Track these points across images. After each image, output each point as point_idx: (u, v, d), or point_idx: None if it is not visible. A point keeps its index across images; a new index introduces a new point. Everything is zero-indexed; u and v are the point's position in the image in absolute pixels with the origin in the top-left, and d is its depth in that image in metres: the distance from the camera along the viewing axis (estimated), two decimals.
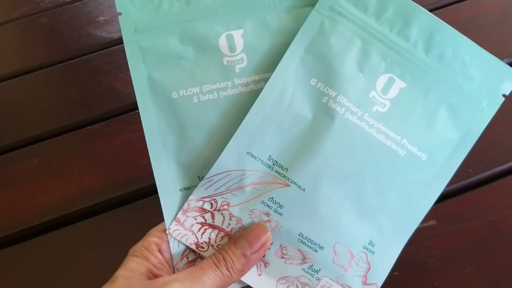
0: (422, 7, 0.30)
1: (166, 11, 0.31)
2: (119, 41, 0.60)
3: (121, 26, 0.31)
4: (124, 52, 0.58)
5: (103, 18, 0.63)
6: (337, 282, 0.30)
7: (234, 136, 0.29)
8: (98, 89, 0.55)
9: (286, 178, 0.30)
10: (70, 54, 0.60)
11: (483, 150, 0.46)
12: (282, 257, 0.30)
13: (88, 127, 0.52)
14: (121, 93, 0.54)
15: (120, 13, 0.31)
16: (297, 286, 0.30)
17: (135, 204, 0.45)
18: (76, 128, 0.52)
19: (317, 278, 0.30)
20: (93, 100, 0.54)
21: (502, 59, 0.49)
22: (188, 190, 0.31)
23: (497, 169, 0.45)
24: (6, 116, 0.55)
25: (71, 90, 0.56)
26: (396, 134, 0.30)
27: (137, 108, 0.51)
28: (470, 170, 0.45)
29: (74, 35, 0.62)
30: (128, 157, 0.49)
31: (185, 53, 0.31)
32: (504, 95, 0.31)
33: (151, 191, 0.46)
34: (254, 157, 0.30)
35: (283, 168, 0.30)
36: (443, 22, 0.30)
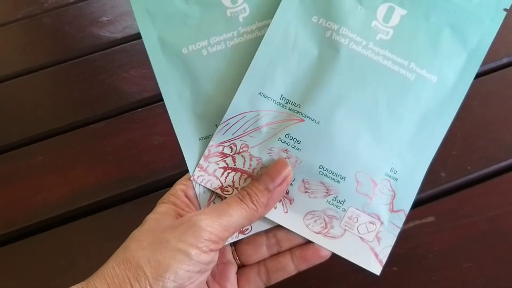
0: None
1: None
2: (122, 41, 0.61)
3: None
4: (127, 51, 0.61)
5: (106, 19, 0.65)
6: (364, 212, 0.31)
7: (244, 78, 0.31)
8: (102, 88, 0.57)
9: (300, 113, 0.30)
10: (73, 53, 0.62)
11: (482, 148, 0.46)
12: (306, 192, 0.31)
13: (92, 125, 0.53)
14: (124, 92, 0.56)
15: None
16: (324, 220, 0.31)
17: (138, 201, 0.46)
18: (80, 126, 0.53)
19: (343, 209, 0.31)
20: (97, 99, 0.56)
21: (501, 59, 0.50)
22: (207, 139, 0.32)
23: (496, 166, 0.45)
24: (12, 114, 0.57)
25: (75, 89, 0.58)
26: (403, 59, 0.30)
27: (140, 107, 0.54)
28: (469, 168, 0.45)
29: (78, 35, 0.64)
30: (131, 154, 0.50)
31: (191, 11, 0.32)
32: (505, 9, 0.31)
33: (154, 188, 0.47)
34: (267, 97, 0.31)
35: (295, 105, 0.31)
36: None
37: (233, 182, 0.31)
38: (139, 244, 0.26)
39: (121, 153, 0.50)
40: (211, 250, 0.27)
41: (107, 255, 0.27)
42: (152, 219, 0.28)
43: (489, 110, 0.48)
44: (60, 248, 0.44)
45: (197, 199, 0.31)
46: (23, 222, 0.46)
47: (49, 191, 0.48)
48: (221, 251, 0.32)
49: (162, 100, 0.32)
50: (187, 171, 0.31)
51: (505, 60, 0.52)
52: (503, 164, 0.45)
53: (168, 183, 0.46)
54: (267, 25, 0.31)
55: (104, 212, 0.46)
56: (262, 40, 0.31)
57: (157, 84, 0.32)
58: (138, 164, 0.49)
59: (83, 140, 0.52)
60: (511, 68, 0.52)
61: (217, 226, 0.26)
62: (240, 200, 0.28)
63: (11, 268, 0.44)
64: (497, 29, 0.31)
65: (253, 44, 0.31)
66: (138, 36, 0.58)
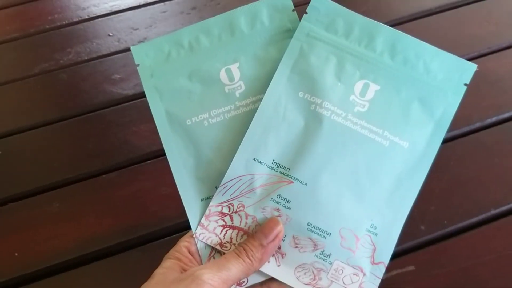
0: (382, 24, 0.36)
1: (175, 58, 0.38)
2: (133, 97, 0.66)
3: (140, 74, 0.38)
4: (137, 107, 0.66)
5: (118, 76, 0.70)
6: (348, 264, 0.34)
7: (240, 146, 0.35)
8: (113, 141, 0.61)
9: (290, 176, 0.35)
10: (87, 108, 0.66)
11: (457, 204, 0.51)
12: (296, 247, 0.34)
13: (104, 176, 0.57)
14: (134, 145, 0.60)
15: (138, 64, 0.38)
16: (313, 272, 0.34)
17: (146, 247, 0.49)
18: (93, 176, 0.57)
19: (330, 262, 0.34)
20: (109, 151, 0.60)
21: (474, 123, 0.55)
22: (207, 200, 0.36)
23: (469, 221, 0.50)
24: (29, 164, 0.60)
25: (88, 141, 0.62)
26: (378, 128, 0.35)
27: (148, 159, 0.59)
28: (445, 222, 0.50)
29: (91, 91, 0.68)
30: (139, 203, 0.53)
31: (194, 88, 0.37)
32: (465, 84, 0.36)
33: (161, 235, 0.50)
34: (260, 162, 0.35)
35: (285, 169, 0.35)
36: (402, 32, 0.36)
37: (231, 238, 0.35)
38: None
39: (130, 202, 0.54)
40: None
41: None
42: (159, 273, 0.32)
43: (464, 170, 0.54)
44: None
45: (199, 254, 0.34)
46: (39, 265, 0.50)
47: (64, 236, 0.52)
48: None
49: None
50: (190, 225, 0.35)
51: (477, 125, 0.58)
52: (475, 219, 0.50)
53: (173, 231, 0.51)
54: (260, 99, 0.36)
55: (113, 258, 0.49)
56: (256, 113, 0.36)
57: None
58: (146, 213, 0.53)
59: (96, 189, 0.56)
60: (482, 132, 0.57)
61: (217, 279, 0.30)
62: (237, 255, 0.32)
63: None
64: (459, 101, 0.36)
65: (248, 116, 0.36)
66: None
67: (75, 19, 0.82)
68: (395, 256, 0.35)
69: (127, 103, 0.66)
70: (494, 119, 0.59)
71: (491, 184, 0.53)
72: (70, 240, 0.51)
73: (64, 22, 0.82)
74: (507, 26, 0.71)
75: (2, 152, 0.62)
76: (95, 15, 0.82)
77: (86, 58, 0.74)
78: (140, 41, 0.76)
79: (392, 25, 0.38)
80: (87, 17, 0.82)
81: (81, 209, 0.54)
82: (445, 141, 0.35)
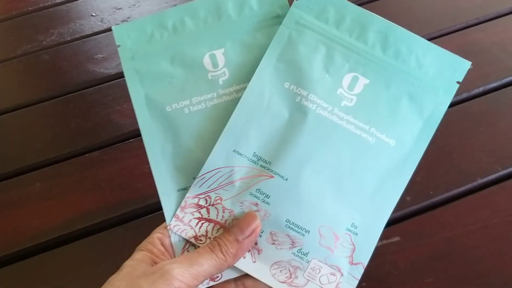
0: (375, 14, 0.35)
1: (158, 40, 0.36)
2: (116, 76, 0.65)
3: (120, 55, 0.36)
4: (120, 86, 0.66)
5: (101, 56, 0.69)
6: (326, 263, 0.33)
7: (221, 136, 0.34)
8: (97, 120, 0.61)
9: (270, 170, 0.33)
10: (70, 88, 0.66)
11: (443, 174, 0.51)
12: (273, 243, 0.33)
13: (87, 155, 0.57)
14: (117, 123, 0.60)
15: (119, 45, 0.36)
16: (289, 270, 0.33)
17: (129, 224, 0.49)
18: (76, 155, 0.57)
19: (307, 261, 0.33)
20: (92, 130, 0.60)
21: (460, 94, 0.56)
22: (185, 190, 0.34)
23: (455, 191, 0.50)
24: (12, 145, 0.60)
25: (71, 121, 0.61)
26: (365, 124, 0.34)
27: (132, 137, 0.58)
28: (431, 192, 0.50)
29: (74, 71, 0.68)
30: (123, 182, 0.53)
31: (175, 73, 0.36)
32: (458, 82, 0.34)
33: (144, 212, 0.51)
34: (240, 154, 0.34)
35: (266, 162, 0.34)
36: (395, 24, 0.34)
37: (206, 232, 0.33)
38: None
39: (114, 180, 0.54)
40: None
41: (101, 274, 0.29)
42: (128, 265, 0.31)
43: (450, 140, 0.54)
44: (57, 269, 0.48)
45: (172, 247, 0.33)
46: (22, 245, 0.50)
47: (47, 216, 0.52)
48: None
49: None
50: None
51: (464, 95, 0.59)
52: (461, 189, 0.50)
53: (156, 208, 0.50)
54: (244, 88, 0.35)
55: (98, 235, 0.49)
56: (239, 102, 0.34)
57: None
58: (130, 190, 0.53)
59: (79, 168, 0.56)
60: (469, 102, 0.58)
61: (188, 275, 0.29)
62: (211, 250, 0.31)
63: None
64: (450, 100, 0.34)
65: (231, 105, 0.35)
66: None
67: (58, 0, 0.81)
68: None
69: (110, 82, 0.65)
70: (481, 89, 0.59)
71: (477, 153, 0.53)
72: (53, 220, 0.51)
73: (47, 4, 0.81)
74: None
75: None
76: None
77: (69, 38, 0.74)
78: (124, 21, 0.75)
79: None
80: None
81: (65, 189, 0.54)
82: None
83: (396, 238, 0.46)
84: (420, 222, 0.47)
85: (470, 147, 0.53)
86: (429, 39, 0.63)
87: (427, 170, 0.51)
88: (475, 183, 0.50)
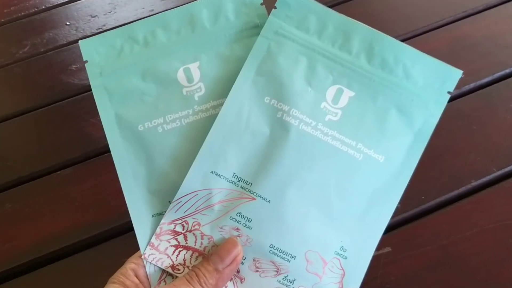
0: (359, 22, 0.32)
1: (128, 55, 0.34)
2: (90, 87, 0.62)
3: (88, 72, 0.33)
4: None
5: (75, 66, 0.67)
6: None
7: (197, 157, 0.31)
8: (70, 134, 0.58)
9: (252, 192, 0.31)
10: (43, 101, 0.63)
11: (434, 178, 0.48)
12: (257, 271, 0.31)
13: (59, 172, 0.54)
14: (92, 137, 0.57)
15: (86, 61, 0.34)
16: None
17: (103, 246, 0.47)
18: (48, 173, 0.54)
19: None
20: (65, 145, 0.57)
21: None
22: (160, 216, 0.32)
23: (448, 196, 0.47)
24: None
25: (44, 137, 0.58)
26: (351, 139, 0.32)
27: (107, 151, 0.55)
28: (423, 197, 0.47)
29: (47, 84, 0.65)
30: (98, 199, 0.51)
31: (147, 89, 0.33)
32: (449, 92, 0.32)
33: (120, 231, 0.48)
34: (219, 176, 0.31)
35: (247, 183, 0.31)
36: (381, 32, 0.32)
37: (184, 260, 0.31)
38: None
39: (88, 199, 0.51)
40: None
41: None
42: None
43: (440, 140, 0.51)
44: None
45: (148, 278, 0.31)
46: None
47: (17, 239, 0.49)
48: None
49: None
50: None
51: (454, 92, 0.54)
52: (454, 193, 0.47)
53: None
54: (222, 104, 0.32)
55: (71, 258, 0.46)
56: (216, 119, 0.32)
57: None
58: (105, 209, 0.50)
59: (51, 187, 0.53)
60: (458, 100, 0.55)
61: None
62: (188, 282, 0.28)
63: None
64: (442, 111, 0.32)
65: (208, 122, 0.32)
66: None
67: (32, 10, 0.78)
68: None
69: (84, 94, 0.62)
70: (472, 85, 0.56)
71: (470, 153, 0.50)
72: (24, 243, 0.48)
73: (20, 14, 0.78)
74: None
75: None
76: (52, 5, 0.79)
77: (42, 50, 0.71)
78: (99, 28, 0.73)
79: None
80: (44, 7, 0.79)
81: (36, 209, 0.51)
82: None
83: (387, 249, 0.43)
84: (412, 230, 0.45)
85: (463, 147, 0.51)
86: (416, 35, 0.62)
87: (417, 174, 0.47)
88: (469, 186, 0.48)
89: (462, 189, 0.47)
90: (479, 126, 0.53)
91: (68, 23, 0.74)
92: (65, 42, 0.71)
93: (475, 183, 0.48)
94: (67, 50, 0.70)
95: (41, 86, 0.65)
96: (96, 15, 0.75)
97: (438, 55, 0.32)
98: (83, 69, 0.66)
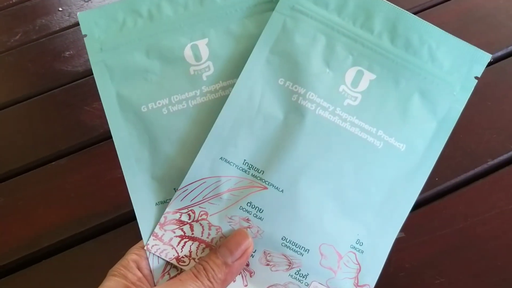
0: None
1: (131, 29, 0.31)
2: (84, 74, 0.60)
3: (87, 47, 0.31)
4: (89, 84, 0.60)
5: (68, 53, 0.64)
6: (328, 286, 0.29)
7: (205, 142, 0.29)
8: (64, 124, 0.55)
9: (263, 180, 0.29)
10: (36, 90, 0.60)
11: (449, 157, 0.46)
12: (267, 264, 0.29)
13: (53, 163, 0.52)
14: (87, 126, 0.55)
15: (85, 35, 0.31)
16: None
17: (100, 238, 0.45)
18: (42, 164, 0.52)
19: (306, 284, 0.29)
20: (59, 135, 0.54)
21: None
22: (164, 204, 0.30)
23: (463, 176, 0.45)
24: None
25: (37, 127, 0.56)
26: (371, 126, 0.29)
27: (103, 140, 0.52)
28: (437, 179, 0.44)
29: (40, 72, 0.63)
30: (94, 190, 0.48)
31: (152, 67, 0.31)
32: (476, 77, 0.30)
33: (118, 222, 0.46)
34: (228, 162, 0.29)
35: (259, 171, 0.29)
36: (405, 10, 0.30)
37: (190, 252, 0.29)
38: None
39: (83, 190, 0.49)
40: None
41: None
42: None
43: None
44: None
45: (150, 271, 0.29)
46: None
47: (10, 234, 0.47)
48: None
49: None
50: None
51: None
52: (470, 173, 0.45)
53: (132, 217, 0.45)
54: (232, 85, 0.30)
55: (66, 252, 0.44)
56: (226, 101, 0.29)
57: None
58: (101, 200, 0.48)
59: (44, 179, 0.51)
60: None
61: None
62: (195, 276, 0.27)
63: None
64: (468, 98, 0.30)
65: (217, 105, 0.30)
66: None
67: None
68: None
69: (78, 81, 0.60)
70: None
71: (485, 131, 0.48)
72: (18, 238, 0.46)
73: (11, 1, 0.75)
74: None
75: None
76: None
77: (34, 37, 0.68)
78: None
79: None
80: None
81: (30, 202, 0.49)
82: None
83: (401, 234, 0.40)
84: (427, 214, 0.42)
85: (477, 125, 0.48)
86: (424, 9, 0.59)
87: None
88: (485, 165, 0.45)
89: (478, 169, 0.45)
90: (494, 102, 0.50)
91: (60, 9, 0.71)
92: (57, 28, 0.68)
93: (491, 162, 0.45)
94: (60, 36, 0.67)
95: (33, 74, 0.63)
96: (90, 0, 0.72)
97: (448, 29, 0.30)
98: (76, 56, 0.63)
